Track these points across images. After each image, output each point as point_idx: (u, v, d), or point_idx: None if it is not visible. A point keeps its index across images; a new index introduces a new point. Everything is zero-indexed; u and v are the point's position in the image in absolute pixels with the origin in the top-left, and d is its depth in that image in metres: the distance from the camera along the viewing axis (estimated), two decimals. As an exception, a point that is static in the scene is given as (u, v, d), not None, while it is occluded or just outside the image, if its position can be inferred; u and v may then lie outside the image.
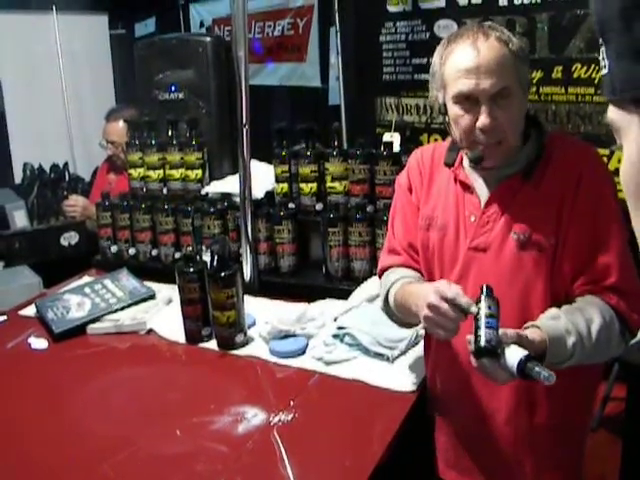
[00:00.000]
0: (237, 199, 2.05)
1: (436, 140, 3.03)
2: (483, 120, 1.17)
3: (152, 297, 1.98)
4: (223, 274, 1.67)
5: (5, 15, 3.98)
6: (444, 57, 1.22)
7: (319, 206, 2.07)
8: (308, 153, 2.06)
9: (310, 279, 2.05)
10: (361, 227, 1.91)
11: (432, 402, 1.44)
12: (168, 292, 2.00)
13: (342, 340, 1.64)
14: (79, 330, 1.83)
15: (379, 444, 1.26)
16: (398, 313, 1.36)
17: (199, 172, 2.29)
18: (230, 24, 2.20)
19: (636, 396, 1.90)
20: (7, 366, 1.73)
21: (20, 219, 2.88)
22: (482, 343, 1.04)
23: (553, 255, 1.20)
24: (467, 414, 1.33)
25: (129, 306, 1.92)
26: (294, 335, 1.68)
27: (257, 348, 1.69)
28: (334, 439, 1.31)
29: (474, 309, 1.08)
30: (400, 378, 1.49)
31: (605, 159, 2.38)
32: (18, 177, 3.53)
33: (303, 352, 1.64)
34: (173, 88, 2.45)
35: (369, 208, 1.96)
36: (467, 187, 1.29)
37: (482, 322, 1.05)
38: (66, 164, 3.47)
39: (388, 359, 1.56)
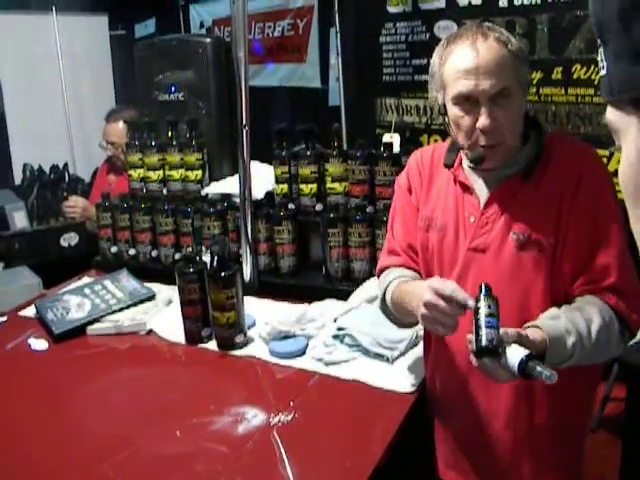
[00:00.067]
0: (237, 200, 2.05)
1: (436, 141, 3.04)
2: (483, 121, 1.17)
3: (152, 298, 1.98)
4: (223, 275, 1.67)
5: (5, 15, 3.98)
6: (443, 58, 1.22)
7: (319, 207, 2.07)
8: (308, 154, 2.06)
9: (310, 280, 2.05)
10: (361, 228, 1.91)
11: (432, 403, 1.44)
12: (168, 293, 2.00)
13: (342, 341, 1.65)
14: (79, 331, 1.83)
15: (379, 445, 1.26)
16: (395, 312, 1.36)
17: (199, 173, 2.29)
18: (230, 25, 2.20)
19: (636, 396, 1.91)
20: (7, 367, 1.73)
21: (20, 220, 2.88)
22: (483, 343, 1.03)
23: (552, 255, 1.20)
24: (467, 414, 1.33)
25: (129, 307, 1.92)
26: (294, 336, 1.68)
27: (257, 349, 1.69)
28: (334, 440, 1.31)
29: (471, 303, 1.08)
30: (400, 379, 1.49)
31: (605, 160, 2.38)
32: (18, 178, 3.53)
33: (303, 353, 1.64)
34: (173, 89, 2.45)
35: (369, 209, 1.96)
36: (467, 188, 1.29)
37: (482, 321, 1.05)
38: (66, 165, 3.47)
39: (388, 360, 1.56)
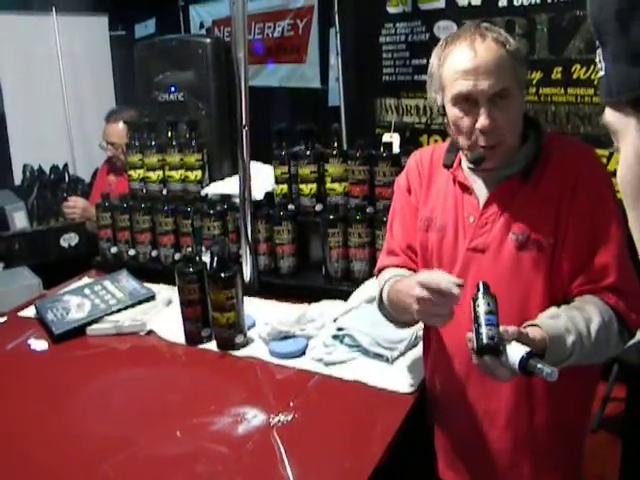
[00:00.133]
0: (237, 200, 2.05)
1: (436, 141, 3.04)
2: (482, 121, 1.17)
3: (152, 298, 1.98)
4: (223, 275, 1.67)
5: (5, 16, 3.99)
6: (442, 59, 1.22)
7: (319, 207, 2.07)
8: (308, 154, 2.06)
9: (310, 280, 2.05)
10: (361, 228, 1.91)
11: (431, 403, 1.44)
12: (168, 293, 2.00)
13: (342, 341, 1.65)
14: (79, 331, 1.83)
15: (379, 445, 1.26)
16: (392, 312, 1.36)
17: (199, 173, 2.29)
18: (230, 25, 2.20)
19: (636, 396, 1.91)
20: (7, 367, 1.73)
21: (20, 220, 2.88)
22: (484, 341, 1.03)
23: (552, 255, 1.20)
24: (467, 414, 1.33)
25: (129, 307, 1.92)
26: (294, 336, 1.68)
27: (257, 349, 1.69)
28: (334, 440, 1.31)
29: (461, 281, 1.09)
30: (399, 379, 1.49)
31: (604, 160, 2.38)
32: (18, 178, 3.53)
33: (303, 353, 1.64)
34: (173, 89, 2.45)
35: (369, 209, 1.96)
36: (466, 188, 1.30)
37: (482, 320, 1.05)
38: (66, 165, 3.47)
39: (387, 360, 1.56)
